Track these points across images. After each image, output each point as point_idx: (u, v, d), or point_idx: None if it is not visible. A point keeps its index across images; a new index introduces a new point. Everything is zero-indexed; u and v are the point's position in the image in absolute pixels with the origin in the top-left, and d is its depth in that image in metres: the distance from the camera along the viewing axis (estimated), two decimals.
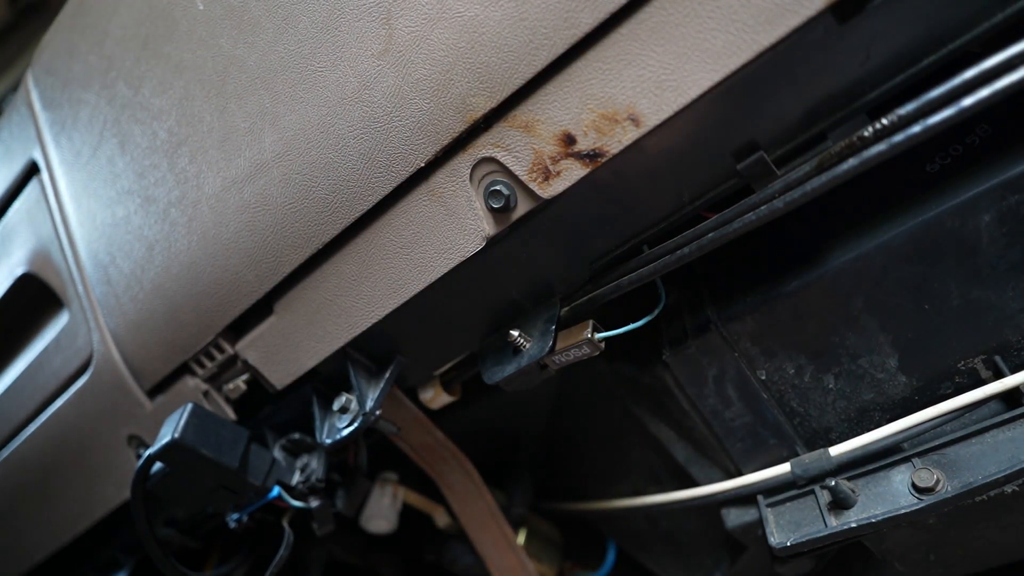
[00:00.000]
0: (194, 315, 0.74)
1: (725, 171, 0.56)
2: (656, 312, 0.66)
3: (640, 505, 0.88)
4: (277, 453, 0.81)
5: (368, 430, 0.72)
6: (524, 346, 0.66)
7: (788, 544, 0.65)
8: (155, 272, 0.75)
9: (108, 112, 0.79)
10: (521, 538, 1.03)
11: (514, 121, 0.55)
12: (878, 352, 0.65)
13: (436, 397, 0.81)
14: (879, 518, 0.61)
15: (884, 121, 0.48)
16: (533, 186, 0.56)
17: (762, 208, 0.54)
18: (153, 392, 0.83)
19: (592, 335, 0.63)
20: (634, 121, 0.51)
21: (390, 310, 0.65)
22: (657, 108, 0.50)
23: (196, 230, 0.71)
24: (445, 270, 0.62)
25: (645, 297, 0.68)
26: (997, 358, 0.62)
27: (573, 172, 0.54)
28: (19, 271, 0.93)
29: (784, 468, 0.70)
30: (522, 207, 0.57)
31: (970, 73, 0.46)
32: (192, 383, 0.80)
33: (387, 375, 0.72)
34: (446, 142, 0.57)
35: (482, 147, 0.57)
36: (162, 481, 0.73)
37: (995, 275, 0.59)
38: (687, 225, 0.59)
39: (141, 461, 0.71)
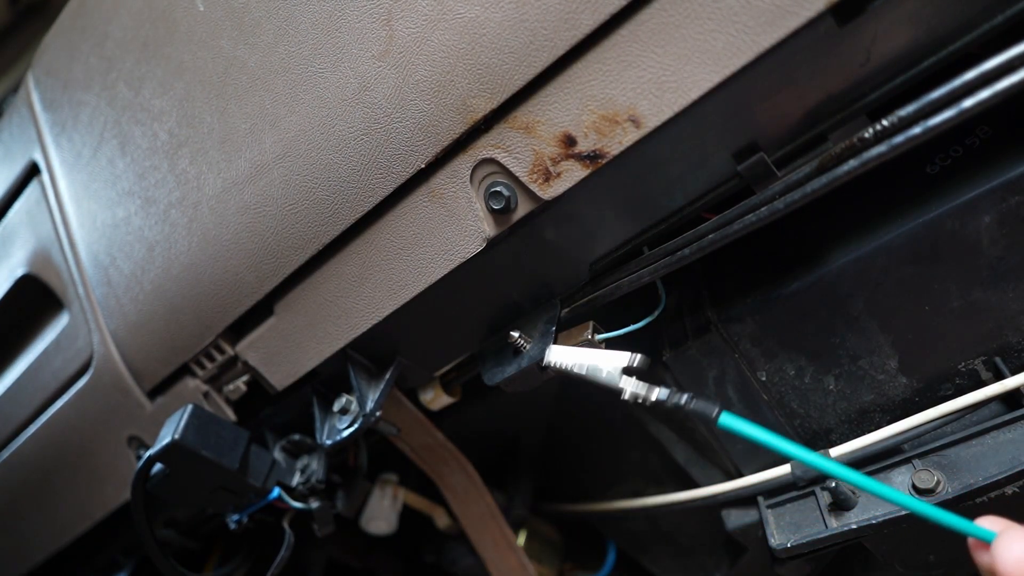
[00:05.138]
0: (194, 316, 0.74)
1: (725, 172, 0.56)
2: (656, 313, 0.66)
3: (640, 506, 0.88)
4: (277, 454, 0.81)
5: (368, 431, 0.72)
6: (524, 347, 0.66)
7: (788, 545, 0.65)
8: (155, 273, 0.75)
9: (108, 113, 0.79)
10: (521, 539, 1.03)
11: (514, 122, 0.55)
12: (878, 353, 0.65)
13: (436, 398, 0.81)
14: (879, 519, 0.61)
15: (884, 122, 0.49)
16: (533, 187, 0.56)
17: (762, 209, 0.54)
18: (153, 393, 0.83)
19: (592, 336, 0.63)
20: (634, 122, 0.51)
21: (390, 311, 0.65)
22: (658, 109, 0.50)
23: (196, 231, 0.71)
24: (445, 271, 0.62)
25: (645, 298, 0.68)
26: (997, 359, 0.62)
27: (574, 173, 0.54)
28: (19, 272, 0.93)
29: (784, 469, 0.70)
30: (522, 208, 0.57)
31: (970, 75, 0.46)
32: (192, 384, 0.80)
33: (387, 376, 0.72)
34: (446, 143, 0.57)
35: (482, 148, 0.57)
36: (162, 482, 0.73)
37: (995, 276, 0.59)
38: (687, 226, 0.59)
39: (141, 462, 0.71)
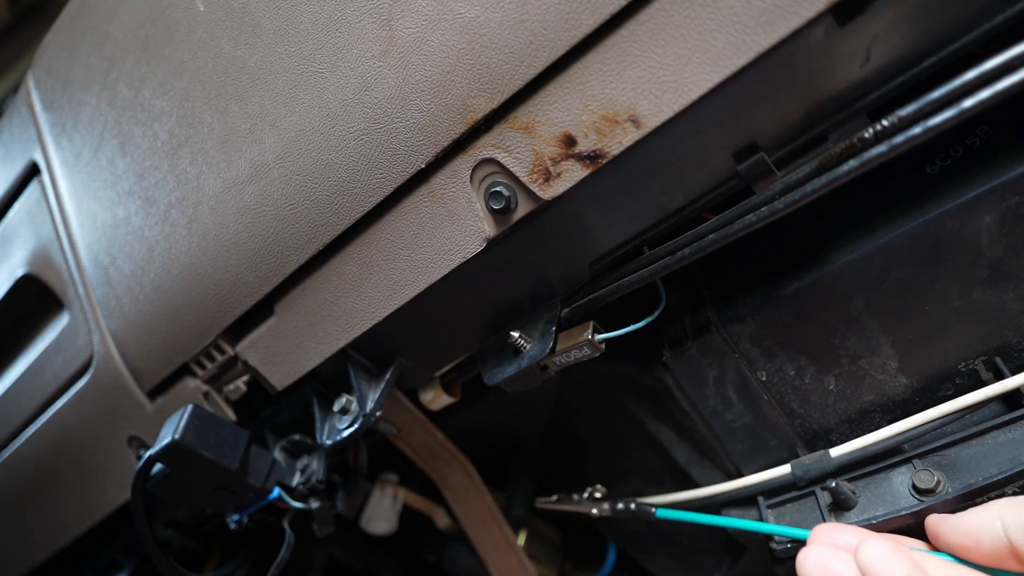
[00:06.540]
0: (194, 316, 0.74)
1: (725, 172, 0.56)
2: (656, 313, 0.66)
3: None
4: (277, 454, 0.81)
5: (368, 431, 0.72)
6: (524, 347, 0.66)
7: (789, 545, 0.65)
8: (156, 273, 0.75)
9: (109, 113, 0.79)
10: (521, 539, 1.03)
11: (514, 122, 0.55)
12: (878, 353, 0.65)
13: (436, 398, 0.81)
14: (880, 519, 0.61)
15: (884, 122, 0.48)
16: (534, 187, 0.56)
17: (762, 209, 0.54)
18: (153, 393, 0.83)
19: (592, 336, 0.63)
20: (635, 122, 0.51)
21: (390, 311, 0.65)
22: (658, 109, 0.50)
23: (197, 231, 0.71)
24: (445, 271, 0.62)
25: (645, 298, 0.68)
26: (998, 359, 0.62)
27: (574, 173, 0.54)
28: (19, 272, 0.93)
29: (784, 469, 0.70)
30: (522, 208, 0.57)
31: (970, 75, 0.46)
32: (192, 384, 0.80)
33: (387, 376, 0.72)
34: (446, 143, 0.57)
35: (482, 148, 0.57)
36: (162, 482, 0.73)
37: (995, 276, 0.59)
38: (687, 226, 0.59)
39: (141, 462, 0.71)
